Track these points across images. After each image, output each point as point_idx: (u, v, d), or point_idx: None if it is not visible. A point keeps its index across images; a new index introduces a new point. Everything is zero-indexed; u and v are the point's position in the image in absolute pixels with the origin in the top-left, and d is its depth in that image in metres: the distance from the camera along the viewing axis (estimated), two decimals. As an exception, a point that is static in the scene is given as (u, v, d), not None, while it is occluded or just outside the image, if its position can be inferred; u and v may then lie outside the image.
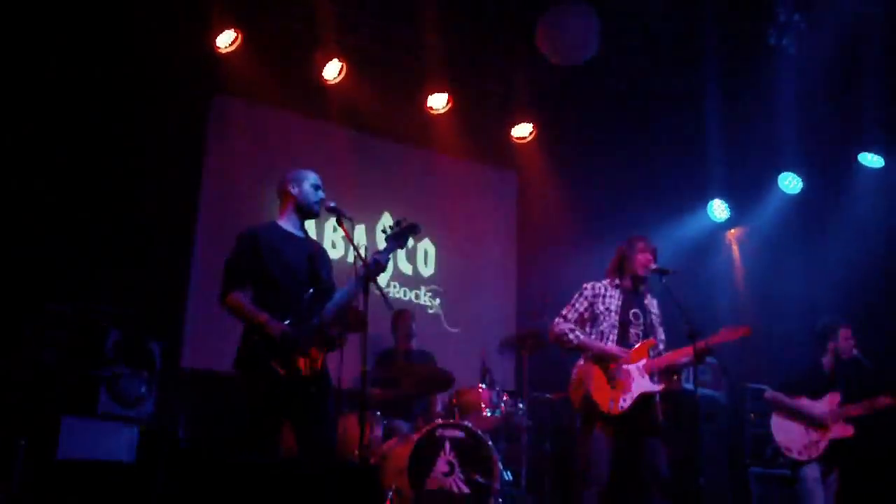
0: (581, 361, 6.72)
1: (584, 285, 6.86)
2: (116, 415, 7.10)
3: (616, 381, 6.50)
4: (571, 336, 6.65)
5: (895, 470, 8.45)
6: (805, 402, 7.77)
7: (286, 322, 5.55)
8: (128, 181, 8.61)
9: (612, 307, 6.73)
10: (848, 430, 7.66)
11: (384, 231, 6.02)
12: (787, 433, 7.79)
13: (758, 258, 10.86)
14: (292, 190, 5.98)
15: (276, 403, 5.54)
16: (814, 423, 7.71)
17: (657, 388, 6.54)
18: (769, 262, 10.64)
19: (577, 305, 6.78)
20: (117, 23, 8.49)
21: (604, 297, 6.76)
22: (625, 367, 6.54)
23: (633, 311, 6.77)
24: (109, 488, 5.40)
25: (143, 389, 7.39)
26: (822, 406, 7.73)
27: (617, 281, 6.85)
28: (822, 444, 7.65)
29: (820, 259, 9.72)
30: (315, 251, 6.03)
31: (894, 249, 9.02)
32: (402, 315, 9.01)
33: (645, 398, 6.50)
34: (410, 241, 9.98)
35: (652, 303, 6.93)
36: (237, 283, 5.70)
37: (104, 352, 7.15)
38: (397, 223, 6.03)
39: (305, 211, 5.99)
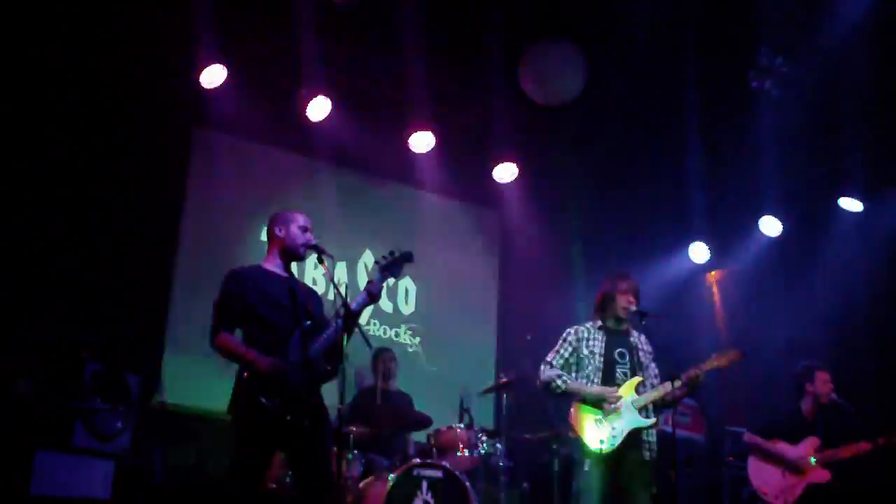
0: (573, 405, 6.68)
1: (568, 330, 6.82)
2: (92, 449, 7.03)
3: (605, 420, 6.49)
4: (559, 381, 6.60)
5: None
6: (783, 447, 7.76)
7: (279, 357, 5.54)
8: (108, 212, 8.60)
9: (597, 349, 6.70)
10: (825, 475, 7.64)
11: (377, 262, 6.02)
12: (763, 477, 7.77)
13: (738, 301, 10.88)
14: (279, 232, 5.95)
15: (266, 438, 5.52)
16: (791, 467, 7.69)
17: (649, 421, 6.53)
18: (749, 305, 10.66)
19: (561, 351, 6.74)
20: (100, 53, 8.51)
21: (587, 340, 6.74)
22: (614, 405, 6.52)
23: (618, 350, 6.72)
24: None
25: (119, 424, 7.34)
26: (800, 451, 7.72)
27: (600, 322, 6.82)
28: (799, 489, 7.63)
29: (800, 302, 9.74)
30: (302, 290, 6.01)
31: (874, 294, 9.04)
32: (383, 354, 8.95)
33: (635, 434, 6.49)
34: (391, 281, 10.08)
35: (640, 339, 6.88)
36: (226, 323, 5.68)
37: (83, 383, 7.09)
38: (391, 253, 6.06)
39: (291, 253, 5.96)
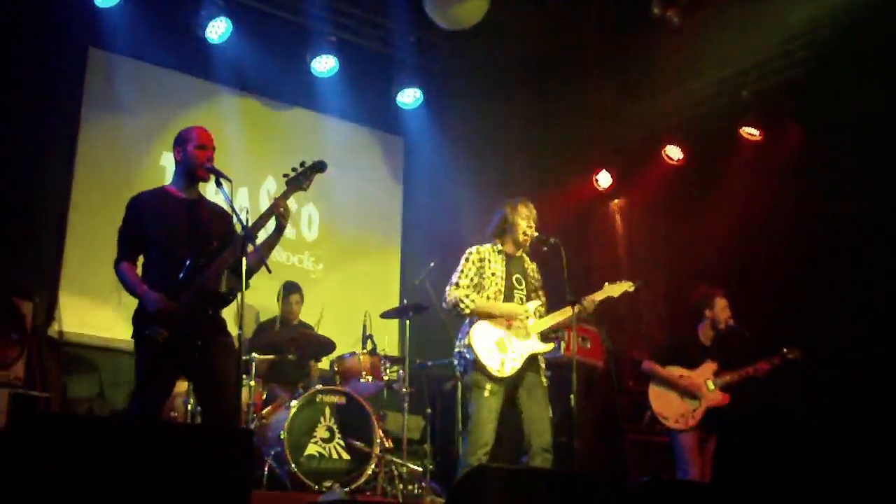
0: (469, 326, 6.66)
1: (469, 250, 6.79)
2: (-17, 378, 6.89)
3: (504, 343, 6.52)
4: (468, 301, 6.58)
5: (771, 433, 8.65)
6: (681, 372, 7.89)
7: (173, 285, 5.50)
8: (1, 137, 8.32)
9: (498, 272, 6.72)
10: (724, 399, 7.80)
11: (285, 175, 5.92)
12: (663, 402, 7.90)
13: (641, 228, 10.99)
14: (178, 154, 5.85)
15: (161, 368, 5.51)
16: (689, 392, 7.83)
17: (544, 348, 6.63)
18: (653, 232, 10.78)
19: (465, 271, 6.70)
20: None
21: (489, 261, 6.73)
22: (513, 329, 6.56)
23: (515, 275, 6.78)
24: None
25: (13, 353, 7.19)
26: (698, 375, 7.86)
27: (499, 245, 6.83)
28: (698, 414, 7.77)
29: (701, 229, 9.87)
30: (207, 211, 5.91)
31: (773, 219, 9.20)
32: (291, 297, 8.89)
33: (532, 359, 6.56)
34: (293, 204, 9.97)
35: (532, 266, 6.94)
36: (124, 252, 5.67)
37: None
38: (301, 164, 5.98)
39: (191, 174, 5.84)
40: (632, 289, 6.84)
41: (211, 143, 5.86)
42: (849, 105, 8.59)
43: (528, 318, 6.61)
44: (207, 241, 5.69)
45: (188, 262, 5.58)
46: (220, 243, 5.71)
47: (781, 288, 9.05)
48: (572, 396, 6.47)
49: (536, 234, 6.74)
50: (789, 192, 9.06)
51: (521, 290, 6.76)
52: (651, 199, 10.82)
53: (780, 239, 9.17)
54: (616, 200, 11.37)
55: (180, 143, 5.84)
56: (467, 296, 6.60)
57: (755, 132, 9.59)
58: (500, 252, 6.79)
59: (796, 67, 9.15)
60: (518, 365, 6.50)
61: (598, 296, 6.68)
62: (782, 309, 8.84)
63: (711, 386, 7.79)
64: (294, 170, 5.95)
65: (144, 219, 5.66)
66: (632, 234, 11.13)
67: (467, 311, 6.59)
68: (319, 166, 6.04)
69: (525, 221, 6.75)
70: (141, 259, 5.72)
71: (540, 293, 6.86)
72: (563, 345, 8.80)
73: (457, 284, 6.68)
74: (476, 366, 6.50)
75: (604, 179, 10.88)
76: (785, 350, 7.71)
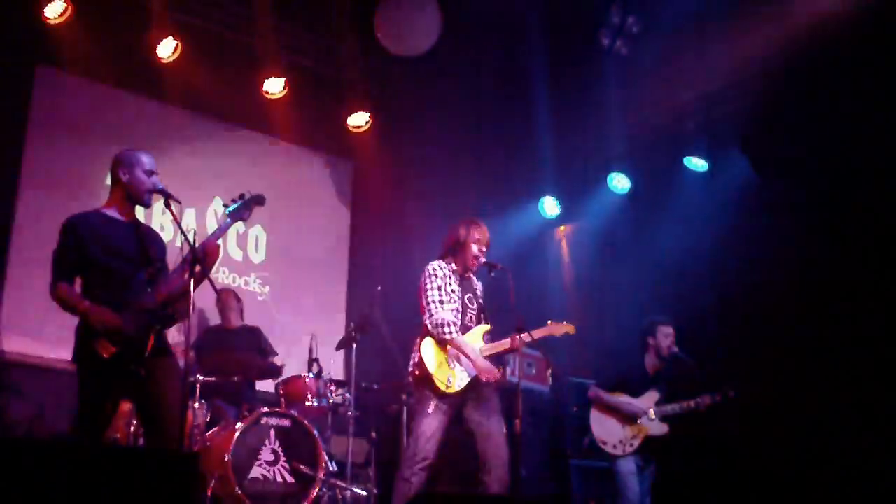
0: (422, 341, 6.62)
1: (433, 266, 6.75)
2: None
3: (451, 361, 6.53)
4: (452, 329, 6.54)
5: (710, 464, 8.72)
6: (624, 399, 7.97)
7: (118, 303, 5.47)
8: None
9: (456, 290, 6.73)
10: (663, 429, 7.89)
11: (225, 205, 5.91)
12: (603, 427, 7.98)
13: (587, 255, 11.05)
14: (122, 176, 5.78)
15: (106, 388, 5.48)
16: (630, 419, 7.92)
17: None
18: (598, 260, 10.84)
19: (436, 293, 6.65)
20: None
21: (449, 279, 6.73)
22: (453, 351, 6.57)
23: (467, 295, 6.80)
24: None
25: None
26: (640, 404, 7.94)
27: (452, 265, 6.82)
28: (637, 441, 7.86)
29: (648, 258, 9.95)
30: (145, 234, 5.89)
31: (719, 249, 9.30)
32: (222, 293, 8.83)
33: (474, 382, 6.55)
34: (241, 227, 9.94)
35: (478, 286, 6.97)
36: (62, 274, 5.59)
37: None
38: (240, 196, 5.96)
39: (135, 199, 5.81)
40: (573, 331, 6.86)
41: (156, 168, 5.84)
42: (797, 137, 8.71)
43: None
44: (150, 262, 5.70)
45: (135, 281, 5.58)
46: (160, 265, 5.74)
47: (726, 318, 9.14)
48: (517, 422, 6.49)
49: (484, 260, 6.77)
50: (735, 222, 9.16)
51: (473, 309, 6.78)
52: (597, 226, 10.89)
53: (726, 269, 9.26)
54: (562, 227, 11.43)
55: (126, 165, 5.78)
56: (454, 323, 6.57)
57: (701, 162, 9.70)
58: (453, 271, 6.80)
59: (744, 98, 9.25)
60: (466, 382, 6.50)
61: (539, 333, 6.70)
62: (728, 340, 8.94)
63: (652, 415, 7.88)
64: (234, 200, 5.94)
65: (86, 241, 5.60)
66: (578, 261, 11.19)
67: (448, 337, 6.52)
68: (259, 199, 6.04)
69: (476, 246, 6.76)
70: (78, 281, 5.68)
71: (485, 315, 6.87)
72: (507, 370, 8.87)
73: (441, 302, 6.63)
74: (425, 381, 6.50)
75: (550, 206, 10.94)
76: (728, 390, 7.78)
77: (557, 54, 9.33)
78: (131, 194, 5.79)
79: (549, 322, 6.81)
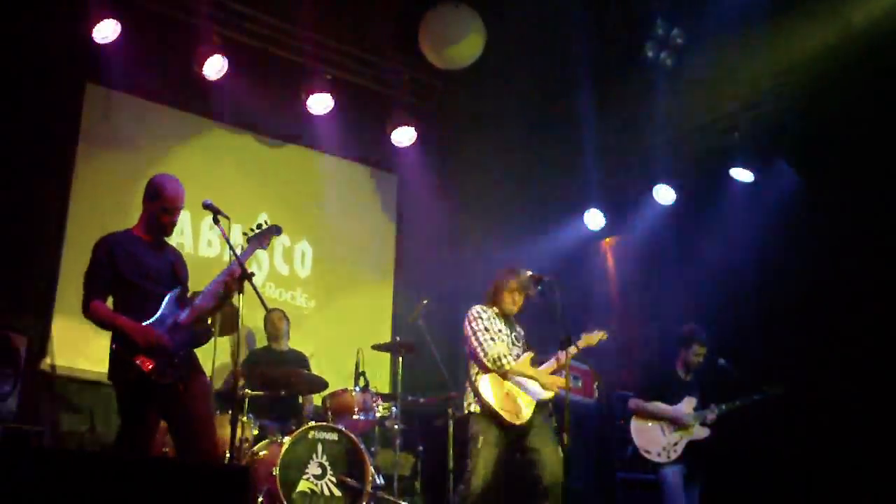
0: (479, 379, 6.93)
1: (477, 310, 7.14)
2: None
3: (513, 394, 6.83)
4: (510, 358, 6.93)
5: (754, 472, 8.68)
6: (664, 407, 7.99)
7: (151, 320, 5.66)
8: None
9: (503, 330, 7.10)
10: (705, 433, 7.96)
11: (245, 234, 6.14)
12: (646, 436, 8.03)
13: (632, 268, 11.01)
14: (148, 206, 6.02)
15: (146, 403, 5.60)
16: (671, 426, 7.93)
17: (549, 395, 6.95)
18: (643, 272, 10.80)
19: (488, 328, 7.05)
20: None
21: (493, 320, 7.10)
22: (516, 379, 6.84)
23: (513, 334, 7.18)
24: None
25: (6, 387, 7.18)
26: (679, 409, 7.95)
27: (495, 308, 7.19)
28: (681, 447, 7.88)
29: (693, 270, 9.90)
30: (172, 256, 6.13)
31: (765, 261, 9.23)
32: (272, 315, 8.93)
33: (540, 405, 6.86)
34: (287, 241, 10.01)
35: (521, 331, 7.35)
36: (96, 291, 5.77)
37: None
38: (258, 225, 6.26)
39: (156, 231, 6.04)
40: (605, 338, 7.21)
41: (180, 204, 6.04)
42: (844, 146, 8.65)
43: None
44: (178, 282, 5.93)
45: (167, 298, 5.77)
46: (187, 287, 5.99)
47: (772, 330, 9.08)
48: (565, 436, 6.53)
49: (517, 308, 7.20)
50: (781, 234, 9.09)
51: (519, 347, 7.13)
52: (642, 238, 10.85)
53: (772, 281, 9.20)
54: (607, 239, 11.40)
55: (152, 197, 5.99)
56: (507, 355, 6.91)
57: (747, 173, 9.64)
58: (496, 314, 7.17)
59: (789, 108, 9.18)
60: (530, 412, 6.80)
61: (575, 349, 6.97)
62: (774, 351, 8.88)
63: (693, 420, 7.90)
64: (252, 229, 6.21)
65: (118, 260, 5.79)
66: (622, 274, 11.16)
67: (507, 367, 6.88)
68: (276, 230, 6.34)
69: (510, 296, 7.13)
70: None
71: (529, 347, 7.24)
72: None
73: (492, 339, 6.98)
74: (489, 416, 6.76)
75: (595, 219, 10.92)
76: (765, 387, 7.83)
77: (603, 67, 9.30)
78: (152, 226, 6.00)
79: (582, 335, 6.96)
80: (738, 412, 8.00)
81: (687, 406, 8.02)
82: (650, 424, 8.04)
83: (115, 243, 5.87)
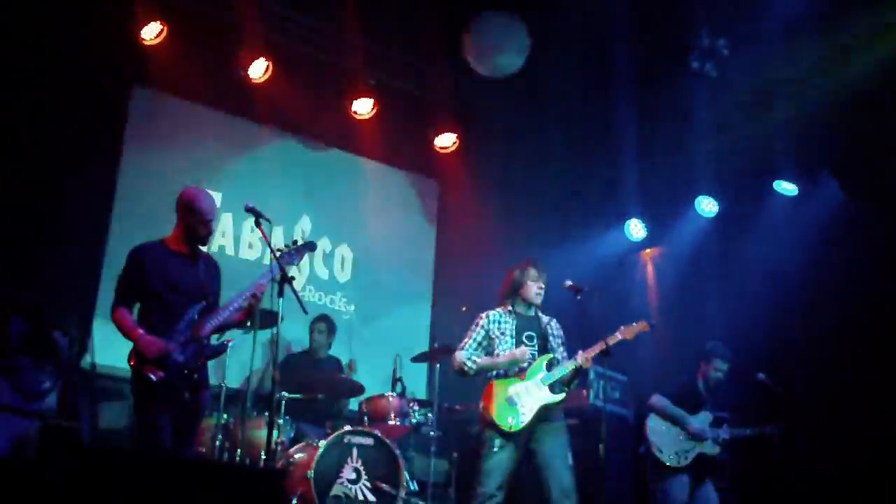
0: (484, 385, 6.83)
1: (480, 315, 6.99)
2: (16, 407, 6.93)
3: (515, 400, 6.61)
4: (469, 363, 6.80)
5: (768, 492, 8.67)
6: (688, 415, 7.96)
7: (170, 332, 5.85)
8: (41, 168, 8.43)
9: (507, 331, 6.88)
10: (715, 450, 7.94)
11: (280, 250, 6.19)
12: (664, 435, 7.98)
13: (673, 279, 10.96)
14: (183, 216, 6.14)
15: (157, 407, 5.78)
16: (689, 433, 7.89)
17: (559, 397, 6.69)
18: (684, 284, 10.74)
19: (474, 335, 6.91)
20: (35, 8, 8.32)
21: (498, 322, 6.91)
22: (521, 384, 6.66)
23: (526, 333, 6.90)
24: (7, 485, 5.26)
25: (46, 383, 7.23)
26: (699, 421, 7.96)
27: (509, 307, 6.98)
28: (692, 456, 7.86)
29: (735, 282, 9.85)
30: (204, 268, 6.20)
31: (808, 274, 9.17)
32: (315, 325, 9.04)
33: (544, 410, 6.62)
34: (329, 246, 10.04)
35: (550, 324, 7.07)
36: (123, 299, 6.01)
37: (7, 340, 6.99)
38: (293, 241, 6.37)
39: (192, 241, 6.17)
40: (647, 329, 6.95)
41: (213, 215, 6.20)
42: (889, 159, 8.57)
43: (529, 354, 6.73)
44: (204, 296, 6.04)
45: (189, 312, 5.93)
46: (214, 299, 6.12)
47: (814, 343, 9.01)
48: (601, 446, 6.47)
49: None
50: (825, 247, 9.02)
51: (532, 346, 6.87)
52: (684, 250, 10.80)
53: (814, 294, 9.13)
54: (648, 250, 11.36)
55: (184, 210, 6.12)
56: (470, 357, 6.80)
57: (791, 186, 9.57)
58: (510, 313, 6.96)
59: (834, 121, 9.10)
60: (529, 418, 6.58)
61: (612, 339, 6.77)
62: (816, 364, 8.82)
63: (708, 436, 7.86)
64: (287, 246, 6.28)
65: (146, 269, 5.97)
66: (663, 285, 11.11)
67: (471, 371, 6.80)
68: (310, 246, 6.47)
69: (535, 282, 6.92)
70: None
71: (559, 349, 6.96)
72: (591, 393, 8.85)
73: (462, 348, 6.89)
74: (489, 423, 6.62)
75: (636, 229, 10.88)
76: (772, 430, 7.90)
77: (646, 77, 9.26)
78: (188, 237, 6.12)
79: (620, 328, 6.81)
80: (748, 441, 8.02)
81: (704, 420, 8.00)
82: (669, 426, 8.00)
83: (146, 254, 6.04)
